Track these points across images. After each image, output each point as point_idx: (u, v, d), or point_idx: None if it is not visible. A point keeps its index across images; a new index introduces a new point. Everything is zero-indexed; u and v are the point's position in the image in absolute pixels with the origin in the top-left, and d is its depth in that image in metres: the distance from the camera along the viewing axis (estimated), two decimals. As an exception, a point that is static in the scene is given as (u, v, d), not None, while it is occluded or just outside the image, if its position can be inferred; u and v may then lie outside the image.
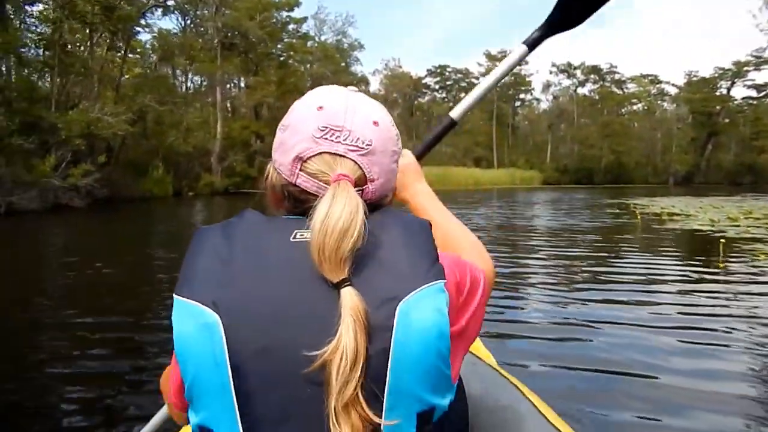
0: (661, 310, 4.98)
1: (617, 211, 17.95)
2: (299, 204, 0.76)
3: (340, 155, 0.74)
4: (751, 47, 79.84)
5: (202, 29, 39.55)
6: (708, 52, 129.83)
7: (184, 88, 39.39)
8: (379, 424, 0.63)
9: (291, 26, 41.82)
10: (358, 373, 0.61)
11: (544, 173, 64.68)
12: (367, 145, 0.75)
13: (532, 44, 1.23)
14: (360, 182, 0.74)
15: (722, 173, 66.07)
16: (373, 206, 0.74)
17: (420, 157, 1.14)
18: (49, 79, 22.00)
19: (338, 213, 0.65)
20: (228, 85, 43.00)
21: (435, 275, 0.67)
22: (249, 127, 38.06)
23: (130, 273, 7.39)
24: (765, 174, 62.57)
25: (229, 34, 37.74)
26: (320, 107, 0.76)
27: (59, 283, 6.87)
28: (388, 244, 0.69)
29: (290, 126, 0.78)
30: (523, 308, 5.19)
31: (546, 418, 1.09)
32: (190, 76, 42.13)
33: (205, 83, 41.87)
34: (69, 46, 22.72)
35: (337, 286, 0.64)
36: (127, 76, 27.31)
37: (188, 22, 42.89)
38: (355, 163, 0.74)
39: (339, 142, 0.74)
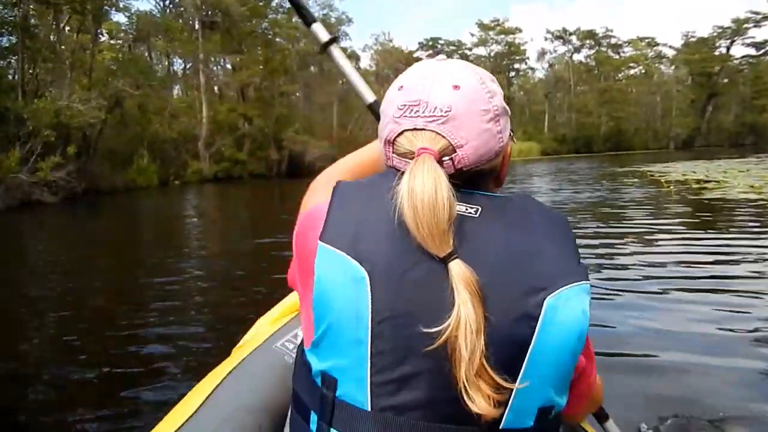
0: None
1: (635, 179, 16.65)
2: None
3: (420, 129, 0.73)
4: (750, 4, 77.95)
5: (182, 9, 37.60)
6: (705, 10, 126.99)
7: (167, 72, 37.32)
8: (506, 401, 0.64)
9: (274, 1, 39.72)
10: (482, 342, 0.62)
11: (542, 144, 63.60)
12: (446, 111, 0.72)
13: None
14: (447, 151, 0.72)
15: (723, 135, 65.17)
16: (479, 174, 0.75)
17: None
18: (16, 67, 20.16)
19: (420, 188, 0.66)
20: (214, 68, 41.22)
21: (582, 274, 0.68)
22: (236, 110, 36.29)
23: (98, 275, 6.60)
24: (766, 134, 61.31)
25: (209, 12, 35.74)
26: (401, 87, 0.77)
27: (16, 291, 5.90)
28: (536, 231, 0.70)
29: (382, 112, 0.79)
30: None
31: None
32: (173, 59, 40.38)
33: (189, 66, 40.01)
34: (35, 30, 20.84)
35: (445, 261, 0.65)
36: (102, 60, 25.32)
37: (167, 2, 41.08)
38: (436, 133, 0.72)
39: (417, 116, 0.73)
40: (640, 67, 72.38)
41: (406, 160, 0.73)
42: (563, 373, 0.68)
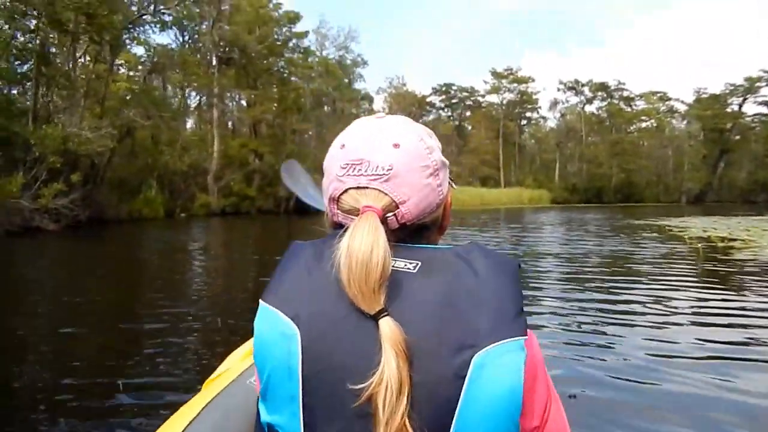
0: None
1: (655, 234, 16.00)
2: None
3: (363, 187, 0.75)
4: (763, 62, 78.46)
5: (200, 45, 38.12)
6: (718, 67, 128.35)
7: (181, 104, 37.51)
8: None
9: (292, 41, 40.24)
10: (405, 402, 0.62)
11: (552, 192, 63.50)
12: (388, 170, 0.74)
13: None
14: (390, 207, 0.74)
15: (736, 191, 64.41)
16: (422, 227, 0.77)
17: None
18: (30, 93, 20.13)
19: (357, 246, 0.67)
20: (229, 103, 41.52)
21: (519, 329, 0.66)
22: (247, 145, 36.34)
23: (88, 303, 6.58)
24: (780, 192, 60.85)
25: (226, 49, 36.16)
26: (342, 145, 0.79)
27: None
28: (475, 286, 0.68)
29: (325, 169, 0.81)
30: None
31: None
32: (188, 92, 40.75)
33: (203, 100, 40.32)
34: (51, 57, 20.90)
35: (375, 318, 0.66)
36: (117, 90, 25.36)
37: (186, 38, 41.73)
38: (379, 191, 0.74)
39: (360, 174, 0.75)
40: (652, 121, 72.50)
41: (351, 216, 0.75)
42: None
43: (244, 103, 41.03)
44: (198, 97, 41.73)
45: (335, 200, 0.78)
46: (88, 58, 24.48)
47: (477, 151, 69.05)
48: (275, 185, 35.48)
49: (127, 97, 23.89)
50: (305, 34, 41.41)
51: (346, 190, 0.76)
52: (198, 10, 36.72)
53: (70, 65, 21.76)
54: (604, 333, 4.83)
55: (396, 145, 0.76)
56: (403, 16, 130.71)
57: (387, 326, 0.64)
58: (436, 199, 0.78)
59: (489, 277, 0.69)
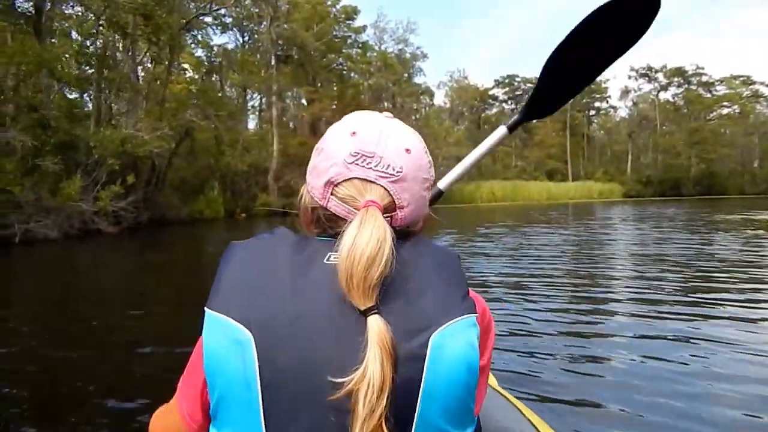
0: None
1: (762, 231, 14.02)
2: (330, 227, 0.77)
3: (371, 181, 0.75)
4: None
5: (259, 45, 38.22)
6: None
7: (239, 104, 37.65)
8: None
9: (350, 37, 39.68)
10: (384, 402, 0.61)
11: (624, 186, 60.36)
12: (398, 172, 0.75)
13: (512, 127, 1.30)
14: (389, 209, 0.75)
15: (830, 181, 59.14)
16: (402, 233, 0.76)
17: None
18: (92, 97, 20.36)
19: (365, 240, 0.66)
20: (290, 102, 41.53)
21: (467, 308, 0.69)
22: (307, 143, 36.02)
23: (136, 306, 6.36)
24: None
25: (284, 47, 35.99)
26: (354, 132, 0.77)
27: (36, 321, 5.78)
28: (421, 274, 0.71)
29: (324, 150, 0.79)
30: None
31: None
32: (248, 92, 41.01)
33: (264, 99, 40.49)
34: (112, 61, 21.09)
35: (365, 314, 0.65)
36: (179, 92, 25.46)
37: (245, 38, 42.02)
38: (385, 189, 0.75)
39: (370, 168, 0.75)
40: (735, 107, 67.41)
41: (347, 206, 0.74)
42: (460, 408, 0.67)
43: (304, 102, 40.95)
44: (258, 97, 42.07)
45: (334, 185, 0.75)
46: (148, 60, 24.69)
47: (543, 144, 66.82)
48: (335, 183, 34.99)
49: (186, 99, 23.77)
50: (363, 28, 40.77)
51: (350, 179, 0.74)
52: (257, 10, 36.93)
53: (131, 68, 21.84)
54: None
55: (408, 150, 0.77)
56: (463, 8, 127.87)
57: (376, 324, 0.63)
58: (423, 212, 0.81)
59: (436, 267, 0.72)
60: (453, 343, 0.65)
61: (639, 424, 2.85)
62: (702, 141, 62.71)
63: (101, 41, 20.26)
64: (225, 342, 0.65)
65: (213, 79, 33.37)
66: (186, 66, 30.17)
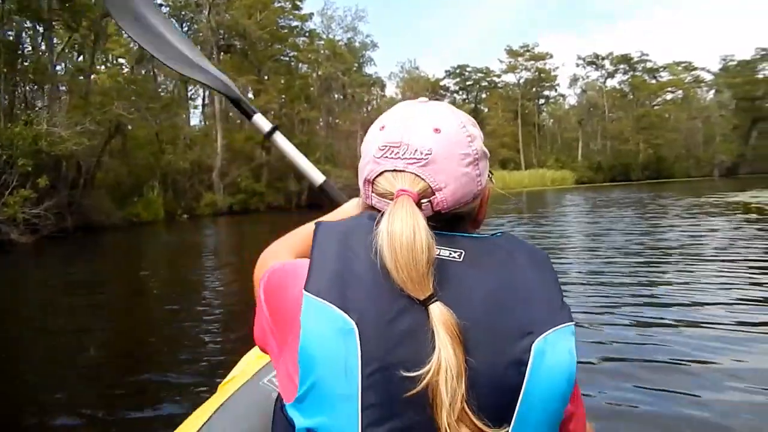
0: None
1: (742, 212, 13.47)
2: None
3: (400, 170, 0.74)
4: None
5: (200, 34, 35.98)
6: (744, 33, 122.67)
7: (174, 96, 35.15)
8: None
9: (295, 24, 37.82)
10: (464, 386, 0.61)
11: (576, 172, 60.97)
12: (426, 154, 0.73)
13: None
14: (426, 193, 0.73)
15: (770, 162, 61.12)
16: (456, 216, 0.76)
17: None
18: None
19: (399, 230, 0.66)
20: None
21: (567, 315, 0.68)
22: (253, 138, 34.10)
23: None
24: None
25: (225, 35, 33.87)
26: (382, 127, 0.78)
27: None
28: (520, 275, 0.70)
29: (363, 151, 0.80)
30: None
31: None
32: (191, 87, 38.62)
33: (207, 93, 38.21)
34: (23, 48, 18.73)
35: (425, 303, 0.64)
36: (108, 82, 23.12)
37: (185, 29, 39.55)
38: (416, 175, 0.73)
39: (398, 157, 0.74)
40: (679, 92, 69.06)
41: (386, 200, 0.74)
42: (553, 417, 0.66)
43: (251, 95, 38.91)
44: (201, 91, 39.76)
45: (370, 182, 0.76)
46: (73, 50, 22.33)
47: (495, 133, 66.54)
48: (285, 180, 33.40)
49: (111, 91, 21.40)
50: (310, 16, 38.99)
51: (382, 173, 0.75)
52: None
53: (48, 58, 19.45)
54: None
55: (437, 130, 0.74)
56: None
57: (439, 311, 0.63)
58: (474, 189, 0.76)
59: (533, 268, 0.70)
60: (556, 350, 0.65)
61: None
62: (649, 126, 64.17)
63: (11, 28, 17.84)
64: (328, 329, 0.64)
65: (144, 72, 30.84)
66: (120, 57, 27.76)
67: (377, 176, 0.75)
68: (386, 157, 0.74)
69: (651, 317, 4.61)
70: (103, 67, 24.59)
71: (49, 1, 17.67)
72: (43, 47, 19.73)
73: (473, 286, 0.67)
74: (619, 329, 4.34)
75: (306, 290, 0.66)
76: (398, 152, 0.74)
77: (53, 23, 18.46)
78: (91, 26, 19.29)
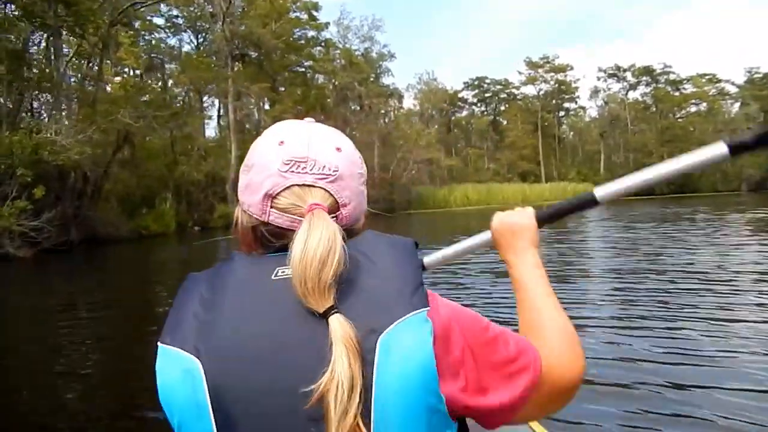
0: None
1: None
2: (274, 241, 0.75)
3: (309, 185, 0.74)
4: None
5: (215, 45, 35.62)
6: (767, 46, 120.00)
7: (184, 105, 34.54)
8: None
9: (310, 33, 37.23)
10: (357, 400, 0.60)
11: (598, 186, 59.02)
12: (334, 171, 0.75)
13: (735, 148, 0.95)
14: (333, 209, 0.74)
15: (800, 176, 59.31)
16: (348, 231, 0.75)
17: (543, 223, 1.01)
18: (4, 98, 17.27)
19: (316, 242, 0.66)
20: (252, 107, 38.93)
21: (418, 302, 0.66)
22: (268, 149, 33.48)
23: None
24: None
25: (240, 45, 33.37)
26: (281, 142, 0.76)
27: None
28: (369, 271, 0.69)
29: (254, 165, 0.77)
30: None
31: None
32: (207, 98, 38.26)
33: (222, 104, 37.78)
34: (29, 56, 18.15)
35: (324, 315, 0.64)
36: (117, 90, 22.52)
37: (201, 40, 39.28)
38: (326, 190, 0.74)
39: (306, 172, 0.74)
40: (704, 104, 67.41)
41: (288, 215, 0.74)
42: (416, 412, 0.62)
43: (267, 106, 38.40)
44: (216, 102, 39.38)
45: (272, 197, 0.74)
46: (82, 59, 21.83)
47: (514, 145, 65.72)
48: (299, 191, 32.66)
49: (119, 99, 20.69)
50: (325, 25, 38.38)
51: (288, 187, 0.73)
52: (210, 8, 34.33)
53: (55, 65, 18.89)
54: None
55: (338, 149, 0.77)
56: (431, 11, 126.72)
57: (338, 323, 0.62)
58: (364, 207, 0.81)
59: (389, 259, 0.70)
60: (400, 343, 0.62)
61: None
62: (673, 139, 62.58)
63: (17, 34, 17.29)
64: (175, 373, 0.64)
65: (151, 81, 30.37)
66: (128, 66, 27.28)
67: (282, 190, 0.73)
68: (293, 171, 0.73)
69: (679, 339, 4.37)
70: (115, 77, 23.94)
71: (54, 6, 17.09)
72: (53, 55, 19.30)
73: (352, 290, 0.66)
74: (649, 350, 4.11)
75: (159, 341, 0.66)
76: (306, 167, 0.74)
77: (60, 29, 17.87)
78: (97, 32, 18.66)
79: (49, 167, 16.04)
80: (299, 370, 0.62)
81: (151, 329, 6.29)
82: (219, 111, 39.94)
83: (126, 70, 28.24)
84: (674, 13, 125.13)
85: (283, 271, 0.69)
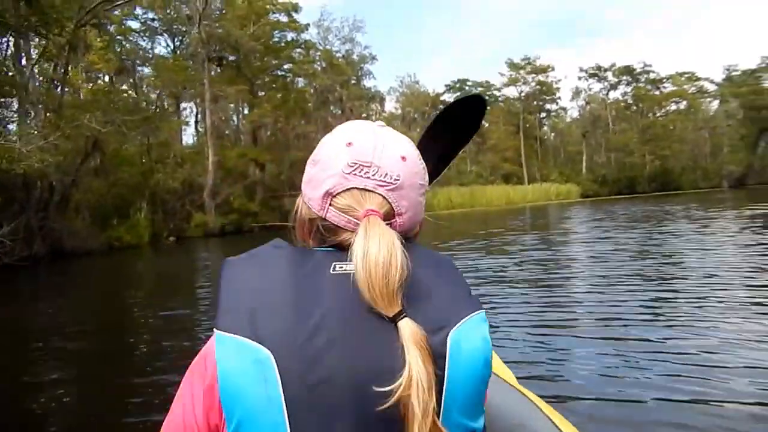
0: None
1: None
2: (329, 237, 0.77)
3: (369, 190, 0.76)
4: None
5: (191, 48, 34.63)
6: (746, 42, 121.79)
7: (157, 110, 33.27)
8: None
9: (289, 35, 36.36)
10: (434, 399, 0.63)
11: (581, 186, 59.44)
12: (395, 179, 0.76)
13: None
14: (388, 216, 0.76)
15: (780, 173, 59.96)
16: (405, 239, 0.77)
17: None
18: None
19: (376, 249, 0.68)
20: (231, 113, 37.95)
21: (476, 305, 0.72)
22: (246, 155, 32.45)
23: None
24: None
25: (217, 47, 32.42)
26: (349, 143, 0.78)
27: None
28: (427, 277, 0.73)
29: (320, 161, 0.79)
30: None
31: None
32: (186, 104, 37.20)
33: (199, 109, 36.73)
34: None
35: (394, 320, 0.66)
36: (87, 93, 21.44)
37: (178, 43, 38.24)
38: (384, 198, 0.76)
39: (368, 177, 0.76)
40: (684, 102, 67.83)
41: (346, 215, 0.75)
42: (476, 401, 0.69)
43: (246, 110, 37.43)
44: (195, 107, 38.32)
45: (332, 195, 0.76)
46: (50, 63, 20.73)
47: (497, 147, 65.38)
48: (280, 198, 31.76)
49: (84, 103, 19.59)
50: (305, 27, 37.58)
51: (349, 189, 0.75)
52: (187, 11, 33.37)
53: (17, 69, 17.79)
54: None
55: (404, 158, 0.78)
56: (412, 14, 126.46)
57: (408, 327, 0.65)
58: (421, 217, 0.83)
59: (436, 269, 0.74)
60: (468, 339, 0.67)
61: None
62: (654, 138, 62.90)
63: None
64: (243, 363, 0.64)
65: (122, 85, 29.28)
66: (100, 71, 26.18)
67: (342, 191, 0.75)
68: (356, 174, 0.75)
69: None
70: (86, 83, 22.81)
71: (14, 4, 16.07)
72: (23, 59, 18.27)
73: (409, 294, 0.68)
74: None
75: (216, 328, 0.66)
76: (368, 172, 0.75)
77: (22, 29, 16.83)
78: (62, 32, 17.63)
79: (11, 176, 15.00)
80: (371, 369, 0.63)
81: (121, 349, 5.69)
82: (197, 117, 39.01)
83: (99, 75, 27.08)
84: (654, 11, 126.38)
85: (342, 267, 0.70)
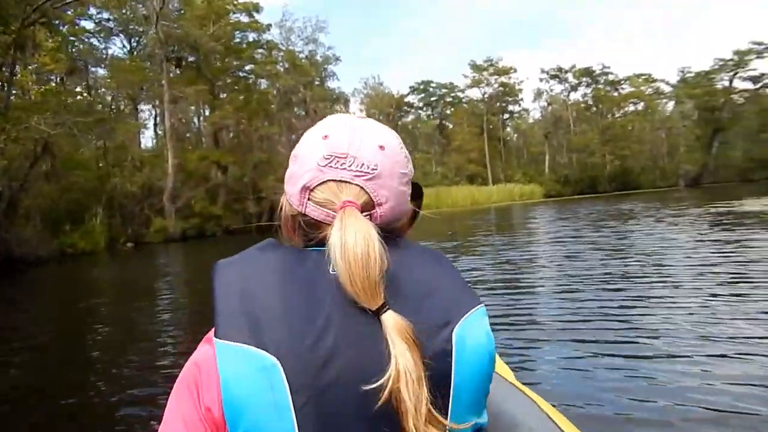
0: None
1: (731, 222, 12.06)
2: (311, 232, 0.77)
3: (345, 182, 0.75)
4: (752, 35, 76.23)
5: (149, 48, 33.67)
6: (701, 44, 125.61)
7: (111, 111, 32.24)
8: None
9: (251, 36, 35.71)
10: (425, 389, 0.62)
11: (544, 186, 60.22)
12: (373, 169, 0.75)
13: None
14: (367, 207, 0.75)
15: (732, 171, 61.68)
16: (387, 231, 0.75)
17: None
18: None
19: (352, 241, 0.67)
20: (192, 115, 37.03)
21: (475, 298, 0.72)
22: (208, 157, 31.68)
23: None
24: (778, 168, 58.09)
25: (175, 48, 31.57)
26: (325, 136, 0.77)
27: None
28: (425, 272, 0.73)
29: (299, 157, 0.79)
30: None
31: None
32: (145, 107, 36.14)
33: (158, 111, 35.73)
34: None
35: (377, 313, 0.65)
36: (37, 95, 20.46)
37: (135, 44, 37.16)
38: (361, 188, 0.75)
39: (344, 169, 0.75)
40: (642, 103, 69.59)
41: (324, 209, 0.74)
42: (481, 396, 0.70)
43: (207, 112, 36.58)
44: (154, 109, 37.27)
45: (309, 190, 0.75)
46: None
47: (461, 149, 65.76)
48: (243, 200, 31.11)
49: (31, 104, 18.66)
50: (267, 27, 36.95)
51: (325, 182, 0.74)
52: (143, 10, 32.42)
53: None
54: None
55: (381, 147, 0.77)
56: (376, 15, 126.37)
57: (392, 319, 0.64)
58: (406, 207, 0.80)
59: (436, 263, 0.74)
60: (472, 334, 0.67)
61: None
62: (613, 138, 64.12)
63: None
64: (247, 371, 0.62)
65: (74, 85, 28.20)
66: (52, 72, 25.10)
67: (319, 184, 0.74)
68: (331, 166, 0.74)
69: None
70: (35, 84, 21.82)
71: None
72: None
73: (404, 289, 0.68)
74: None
75: (216, 338, 0.64)
76: (345, 163, 0.74)
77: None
78: (6, 31, 16.77)
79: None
80: (371, 368, 0.62)
81: (77, 360, 5.37)
82: (156, 119, 37.97)
83: (51, 78, 25.94)
84: (613, 13, 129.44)
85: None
